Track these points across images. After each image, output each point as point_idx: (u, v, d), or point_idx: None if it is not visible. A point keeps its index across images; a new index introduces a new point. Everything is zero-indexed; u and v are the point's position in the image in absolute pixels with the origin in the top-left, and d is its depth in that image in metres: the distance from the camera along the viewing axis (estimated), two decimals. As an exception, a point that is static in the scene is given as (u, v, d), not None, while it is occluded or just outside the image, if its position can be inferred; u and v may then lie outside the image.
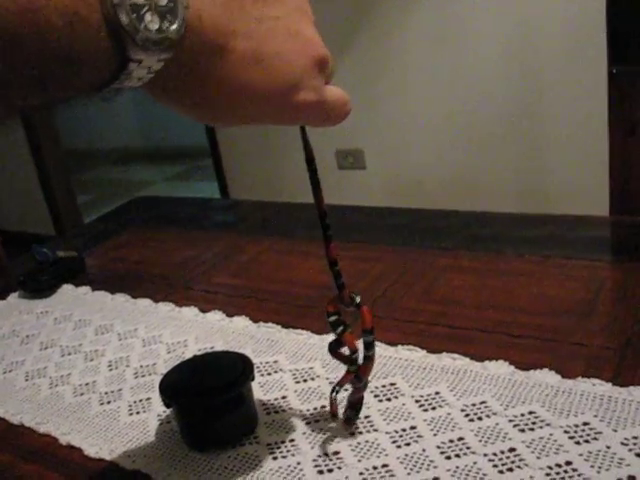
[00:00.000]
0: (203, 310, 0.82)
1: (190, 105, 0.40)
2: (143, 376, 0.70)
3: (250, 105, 0.40)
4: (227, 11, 0.37)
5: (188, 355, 0.72)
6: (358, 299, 0.54)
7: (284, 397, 0.62)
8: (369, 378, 0.56)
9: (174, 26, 0.35)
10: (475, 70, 2.44)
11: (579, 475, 0.47)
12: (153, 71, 0.36)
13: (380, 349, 0.67)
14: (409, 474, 0.50)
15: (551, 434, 0.52)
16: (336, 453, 0.54)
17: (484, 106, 2.46)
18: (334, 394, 0.55)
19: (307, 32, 0.42)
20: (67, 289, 0.95)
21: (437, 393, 0.59)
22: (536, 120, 2.38)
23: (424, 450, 0.52)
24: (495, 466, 0.49)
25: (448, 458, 0.51)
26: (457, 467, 0.50)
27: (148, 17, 0.34)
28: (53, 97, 0.35)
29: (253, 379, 0.58)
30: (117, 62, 0.34)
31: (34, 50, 0.31)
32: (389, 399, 0.59)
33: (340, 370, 0.64)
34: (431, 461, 0.51)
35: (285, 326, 0.75)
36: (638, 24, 1.94)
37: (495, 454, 0.51)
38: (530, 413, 0.54)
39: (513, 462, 0.49)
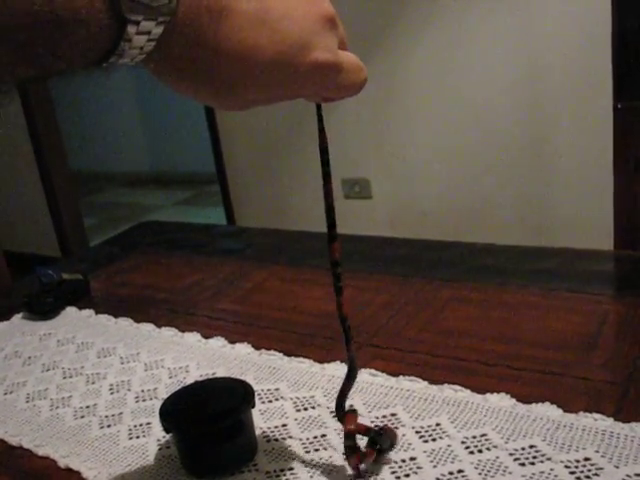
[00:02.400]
0: (206, 336, 0.82)
1: (200, 82, 0.38)
2: (144, 400, 0.70)
3: (261, 72, 0.38)
4: None
5: (189, 381, 0.72)
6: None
7: (284, 425, 0.62)
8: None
9: None
10: (481, 104, 2.45)
11: (579, 511, 0.47)
12: (154, 38, 0.34)
13: (381, 379, 0.67)
14: (408, 506, 0.50)
15: (552, 469, 0.51)
16: (335, 483, 0.54)
17: (490, 139, 2.48)
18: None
19: None
20: (71, 311, 0.96)
21: (438, 424, 0.59)
22: (542, 154, 2.39)
23: (423, 482, 0.52)
24: (495, 500, 0.49)
25: (447, 490, 0.51)
26: (456, 500, 0.50)
27: None
28: (46, 68, 0.33)
29: (254, 406, 0.57)
30: (114, 26, 0.32)
31: (18, 11, 0.29)
32: (389, 429, 0.59)
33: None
34: (430, 493, 0.51)
35: (287, 354, 0.75)
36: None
37: (495, 488, 0.50)
38: (531, 447, 0.54)
39: (513, 496, 0.49)
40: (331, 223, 0.50)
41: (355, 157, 2.78)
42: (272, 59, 0.37)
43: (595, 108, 2.19)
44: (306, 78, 0.40)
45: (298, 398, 0.66)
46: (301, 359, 0.74)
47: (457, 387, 0.64)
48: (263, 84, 0.39)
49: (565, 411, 0.58)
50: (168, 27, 0.34)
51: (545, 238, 2.44)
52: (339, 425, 0.60)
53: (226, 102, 0.40)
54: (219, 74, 0.37)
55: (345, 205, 2.85)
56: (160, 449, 0.61)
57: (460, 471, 0.52)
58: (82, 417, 0.69)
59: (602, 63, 2.10)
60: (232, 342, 0.80)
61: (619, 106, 1.94)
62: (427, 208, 2.72)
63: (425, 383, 0.65)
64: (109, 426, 0.66)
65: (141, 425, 0.66)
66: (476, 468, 0.52)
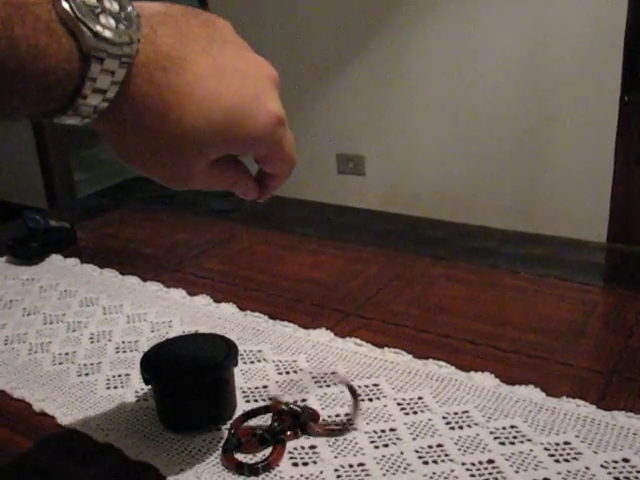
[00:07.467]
0: (191, 293, 0.81)
1: (151, 142, 0.39)
2: (124, 352, 0.69)
3: (221, 118, 0.39)
4: (177, 30, 0.38)
5: (172, 336, 0.71)
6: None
7: (265, 387, 0.62)
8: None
9: (131, 28, 0.35)
10: (483, 88, 2.44)
11: (556, 493, 0.47)
12: (117, 81, 0.35)
13: (366, 349, 0.66)
14: (385, 475, 0.49)
15: (531, 450, 0.51)
16: (312, 447, 0.53)
17: (489, 124, 2.47)
18: None
19: (253, 55, 0.43)
20: (56, 259, 0.94)
21: (420, 398, 0.58)
22: (542, 141, 2.38)
23: (402, 453, 0.52)
24: (472, 476, 0.49)
25: (425, 463, 0.50)
26: (434, 473, 0.49)
27: (103, 18, 0.34)
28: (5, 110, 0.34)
29: (236, 365, 0.57)
30: (76, 65, 0.33)
31: None
32: (371, 399, 0.59)
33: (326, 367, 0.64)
34: (408, 464, 0.50)
35: (272, 317, 0.74)
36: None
37: (473, 464, 0.50)
38: (512, 427, 0.54)
39: (490, 474, 0.49)
40: None
41: (351, 133, 2.76)
42: (232, 105, 0.39)
43: (601, 99, 2.18)
44: (259, 131, 0.41)
45: (280, 361, 0.66)
46: (286, 323, 0.73)
47: (442, 363, 0.63)
48: (220, 138, 0.40)
49: (548, 395, 0.58)
50: (129, 73, 0.36)
51: (539, 226, 2.43)
52: (321, 390, 0.60)
53: (175, 165, 0.40)
54: (173, 129, 0.38)
55: (338, 180, 2.83)
56: (138, 401, 0.61)
57: (439, 445, 0.52)
58: (60, 363, 0.68)
59: (613, 54, 2.08)
60: (217, 301, 0.79)
61: (626, 99, 1.94)
62: (420, 191, 2.71)
63: (410, 357, 0.65)
64: (87, 374, 0.66)
65: (120, 376, 0.65)
66: (456, 444, 0.52)
